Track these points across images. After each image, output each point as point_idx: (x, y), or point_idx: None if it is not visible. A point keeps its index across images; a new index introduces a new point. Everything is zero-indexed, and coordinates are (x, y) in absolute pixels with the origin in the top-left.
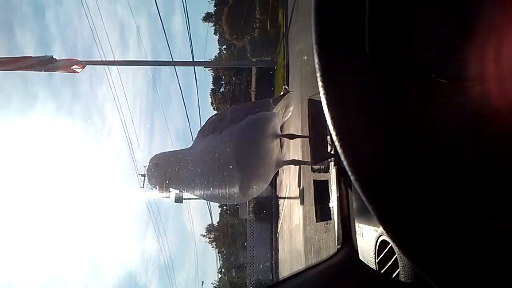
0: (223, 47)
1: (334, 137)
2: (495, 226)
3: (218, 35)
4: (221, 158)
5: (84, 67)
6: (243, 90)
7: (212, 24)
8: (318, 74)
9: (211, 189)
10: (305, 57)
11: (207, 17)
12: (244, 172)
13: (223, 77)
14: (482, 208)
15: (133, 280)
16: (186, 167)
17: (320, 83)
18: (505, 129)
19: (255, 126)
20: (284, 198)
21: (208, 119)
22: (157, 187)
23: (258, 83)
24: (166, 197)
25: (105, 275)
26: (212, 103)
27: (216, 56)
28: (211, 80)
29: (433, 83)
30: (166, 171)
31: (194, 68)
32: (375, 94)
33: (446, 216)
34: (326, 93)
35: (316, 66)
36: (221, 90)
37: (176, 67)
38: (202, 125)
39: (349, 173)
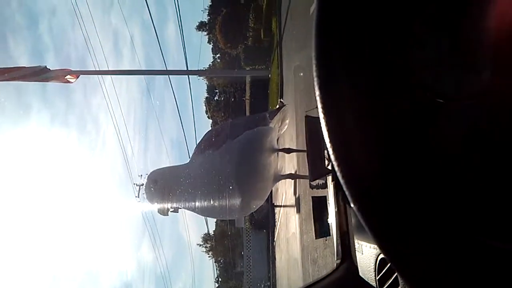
0: (217, 55)
1: (331, 152)
2: (496, 245)
3: (212, 43)
4: (220, 175)
5: (78, 77)
6: (237, 98)
7: (205, 33)
8: (316, 88)
9: (210, 205)
10: (302, 74)
11: (201, 26)
12: (243, 189)
13: (218, 86)
14: (480, 227)
15: None
16: (185, 184)
17: (318, 98)
18: (502, 146)
19: (253, 141)
20: (280, 206)
21: (205, 134)
22: (156, 204)
23: (252, 91)
24: (164, 215)
25: (101, 285)
26: (206, 112)
27: (210, 64)
28: (206, 88)
29: (430, 102)
30: (164, 188)
31: (188, 77)
32: (373, 111)
33: (444, 236)
34: (323, 108)
35: (315, 80)
36: (215, 98)
37: (170, 76)
38: (199, 136)
39: (345, 191)
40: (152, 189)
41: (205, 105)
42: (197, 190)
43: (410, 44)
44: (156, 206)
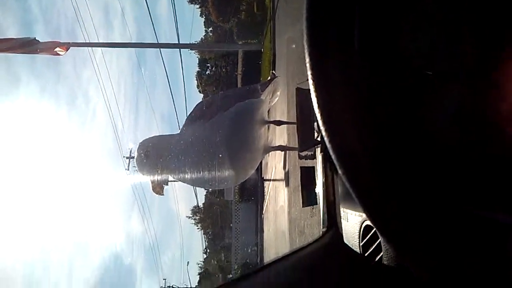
0: (209, 29)
1: (320, 122)
2: (481, 214)
3: (204, 17)
4: (211, 145)
5: (67, 49)
6: (229, 73)
7: (198, 6)
8: (307, 60)
9: (201, 175)
10: (294, 46)
11: None
12: (233, 159)
13: (209, 60)
14: (465, 197)
15: (119, 261)
16: (176, 154)
17: (308, 68)
18: (491, 123)
19: (244, 113)
20: (270, 180)
21: (197, 105)
22: (146, 174)
23: (244, 66)
24: (160, 194)
25: (90, 256)
26: (198, 86)
27: (202, 38)
28: (197, 62)
29: (421, 76)
30: (155, 157)
31: (180, 50)
32: (363, 82)
33: (430, 204)
34: (314, 78)
35: (306, 52)
36: (207, 72)
37: (161, 49)
38: (190, 110)
39: (334, 160)
40: (143, 156)
41: (197, 79)
42: (188, 160)
43: (403, 19)
44: (147, 176)
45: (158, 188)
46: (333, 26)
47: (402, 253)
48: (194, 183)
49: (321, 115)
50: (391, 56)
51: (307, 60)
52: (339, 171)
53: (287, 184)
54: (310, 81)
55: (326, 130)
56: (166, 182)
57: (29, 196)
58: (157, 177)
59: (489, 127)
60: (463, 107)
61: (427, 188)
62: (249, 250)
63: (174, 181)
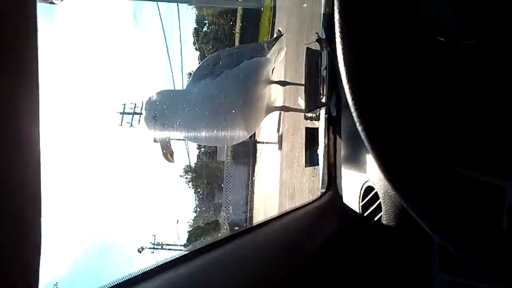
0: None
1: (345, 80)
2: (471, 176)
3: None
4: (218, 103)
5: None
6: (227, 31)
7: None
8: (336, 16)
9: (209, 133)
10: (305, 5)
11: None
12: (240, 117)
13: (207, 16)
14: (464, 158)
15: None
16: (185, 113)
17: (337, 24)
18: (495, 87)
19: (250, 72)
20: (262, 142)
21: (203, 61)
22: (156, 131)
23: (243, 25)
24: (171, 162)
25: (79, 212)
26: (194, 43)
27: None
28: (194, 18)
29: (431, 38)
30: (165, 119)
31: (178, 4)
32: (385, 44)
33: (434, 161)
34: (341, 34)
35: (336, 9)
36: (204, 29)
37: (158, 2)
38: (185, 71)
39: (354, 112)
40: (152, 117)
41: (193, 36)
42: (196, 118)
43: None
44: (156, 134)
45: (169, 154)
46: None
47: (408, 200)
48: (201, 141)
49: (347, 69)
50: (407, 18)
51: (337, 14)
52: (358, 124)
53: (280, 148)
54: (338, 33)
55: (351, 88)
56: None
57: None
58: (167, 141)
59: (499, 89)
60: (470, 68)
61: (435, 148)
62: (239, 211)
63: (181, 140)
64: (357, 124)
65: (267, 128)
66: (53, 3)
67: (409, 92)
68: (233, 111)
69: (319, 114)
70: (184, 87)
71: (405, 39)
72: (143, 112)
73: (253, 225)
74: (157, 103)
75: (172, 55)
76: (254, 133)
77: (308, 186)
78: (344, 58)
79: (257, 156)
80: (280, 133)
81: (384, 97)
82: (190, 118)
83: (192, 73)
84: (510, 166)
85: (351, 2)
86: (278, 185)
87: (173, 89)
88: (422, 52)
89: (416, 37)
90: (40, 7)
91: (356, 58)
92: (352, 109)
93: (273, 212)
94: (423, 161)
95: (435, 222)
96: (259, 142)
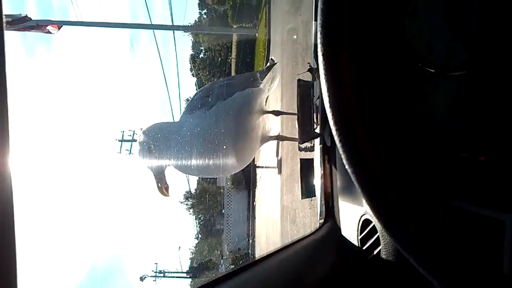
0: (204, 11)
1: (331, 119)
2: (476, 211)
3: None
4: (211, 135)
5: (59, 28)
6: (223, 57)
7: None
8: (320, 54)
9: (203, 165)
10: (295, 36)
11: None
12: (234, 149)
13: (203, 43)
14: (461, 191)
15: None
16: (179, 145)
17: (321, 64)
18: (486, 117)
19: (243, 103)
20: (262, 167)
21: (196, 93)
22: (149, 161)
23: (238, 50)
24: (165, 196)
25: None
26: (191, 69)
27: (196, 20)
28: (191, 45)
29: (421, 70)
30: (160, 151)
31: (174, 32)
32: (370, 77)
33: (428, 198)
34: (326, 72)
35: (319, 47)
36: (200, 56)
37: (154, 30)
38: (183, 97)
39: (341, 151)
40: (147, 150)
41: (190, 63)
42: (191, 151)
43: (406, 16)
44: (149, 164)
45: (164, 189)
46: (345, 29)
47: (400, 241)
48: (195, 173)
49: (332, 113)
50: (395, 45)
51: (321, 60)
52: (345, 162)
53: (280, 172)
54: (323, 82)
55: (334, 121)
56: (167, 184)
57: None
58: (162, 175)
59: (490, 119)
60: (461, 98)
61: (426, 182)
62: (241, 237)
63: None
64: (346, 165)
65: (266, 153)
66: (50, 33)
67: (398, 126)
68: (227, 143)
69: (314, 144)
70: (180, 114)
71: (393, 71)
72: (138, 146)
73: (255, 259)
74: (151, 136)
75: (170, 82)
76: (254, 158)
77: (309, 211)
78: (329, 98)
79: (257, 180)
80: (279, 157)
81: (372, 135)
82: (184, 151)
83: (187, 103)
84: (510, 198)
85: (334, 36)
86: (279, 210)
87: (167, 121)
88: (412, 84)
89: (405, 69)
90: (38, 37)
91: (340, 97)
92: (340, 151)
93: (276, 237)
94: (414, 201)
95: (431, 268)
96: (258, 167)
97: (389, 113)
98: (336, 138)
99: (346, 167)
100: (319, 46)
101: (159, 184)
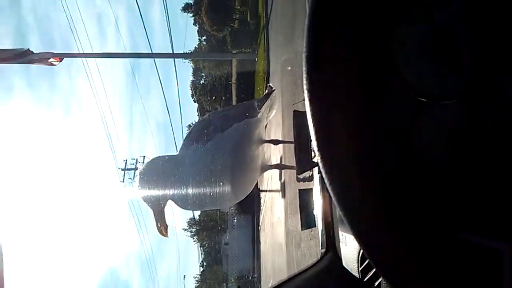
0: (203, 38)
1: (316, 149)
2: (474, 241)
3: (197, 26)
4: (210, 168)
5: (61, 60)
6: (223, 82)
7: (191, 15)
8: (305, 92)
9: (203, 201)
10: (290, 68)
11: (186, 8)
12: (233, 181)
13: (203, 69)
14: (459, 222)
15: (115, 276)
16: (178, 181)
17: (307, 101)
18: (482, 146)
19: (241, 135)
20: (266, 191)
21: (194, 125)
22: (148, 193)
23: (238, 75)
24: (165, 236)
25: (87, 272)
26: (192, 95)
27: (195, 47)
28: (191, 72)
29: (413, 100)
30: (159, 188)
31: (174, 60)
32: (358, 111)
33: (423, 232)
34: (312, 108)
35: (304, 84)
36: (201, 82)
37: (155, 59)
38: (184, 123)
39: (334, 200)
40: (150, 178)
41: (191, 89)
42: (190, 187)
43: (393, 46)
44: (148, 194)
45: (164, 229)
46: (331, 52)
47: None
48: (195, 208)
49: (317, 141)
50: (385, 76)
51: (305, 89)
52: (339, 209)
53: (284, 196)
54: (308, 108)
55: (326, 172)
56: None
57: (21, 209)
58: (161, 214)
59: (486, 149)
60: (459, 128)
61: (420, 216)
62: (246, 263)
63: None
64: (337, 208)
65: (269, 177)
66: (53, 65)
67: (390, 161)
68: (226, 176)
69: (312, 174)
70: (180, 146)
71: (383, 102)
72: (136, 182)
73: None
74: (149, 174)
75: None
76: (257, 182)
77: (315, 241)
78: (314, 136)
79: (261, 205)
80: (282, 180)
81: (364, 176)
82: (183, 187)
83: (185, 136)
84: (507, 226)
85: (316, 66)
86: (284, 234)
87: (165, 156)
88: (403, 115)
89: (396, 99)
90: (41, 69)
91: (328, 136)
92: (331, 194)
93: (281, 262)
94: (407, 245)
95: None
96: (262, 191)
97: (381, 147)
98: (327, 183)
99: (339, 210)
100: (304, 82)
101: (158, 224)
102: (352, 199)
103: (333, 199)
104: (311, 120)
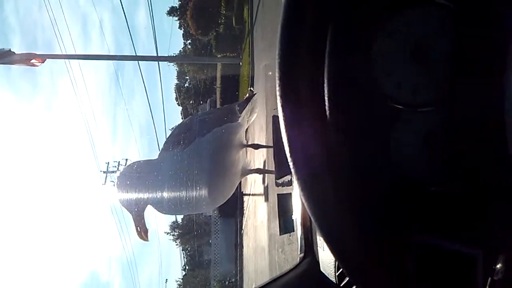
0: (188, 41)
1: (287, 152)
2: (448, 247)
3: (182, 29)
4: (189, 173)
5: (44, 61)
6: (208, 86)
7: (177, 18)
8: (279, 104)
9: (182, 205)
10: (270, 73)
11: (172, 11)
12: (213, 186)
13: (188, 72)
14: (431, 226)
15: (96, 279)
16: (157, 185)
17: (280, 111)
18: (455, 151)
19: (221, 139)
20: (249, 195)
21: (174, 129)
22: (127, 197)
23: (223, 79)
24: (145, 240)
25: (67, 274)
26: (176, 98)
27: (180, 50)
28: (175, 75)
29: (390, 108)
30: (138, 192)
31: (158, 62)
32: (334, 119)
33: (394, 238)
34: (285, 119)
35: (277, 87)
36: (185, 85)
37: (139, 61)
38: (168, 126)
39: (300, 194)
40: (128, 183)
41: (175, 92)
42: (169, 191)
43: (371, 55)
44: (127, 199)
45: (143, 232)
46: (305, 61)
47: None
48: (174, 212)
49: (294, 168)
50: (362, 85)
51: (278, 89)
52: (310, 215)
53: (266, 199)
54: (281, 118)
55: (298, 178)
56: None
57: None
58: (141, 218)
59: (461, 155)
60: (435, 133)
61: (391, 218)
62: (229, 267)
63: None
64: (312, 220)
65: (253, 181)
66: (35, 66)
67: (360, 169)
68: (206, 180)
69: (291, 179)
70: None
71: (361, 110)
72: (116, 187)
73: None
74: (128, 177)
75: (155, 112)
76: (240, 185)
77: (292, 239)
78: (287, 142)
79: (244, 208)
80: (265, 184)
81: (337, 181)
82: (163, 191)
83: (165, 140)
84: (481, 233)
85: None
86: (267, 238)
87: (145, 160)
88: (381, 122)
89: (372, 106)
90: (22, 70)
91: (297, 140)
92: (302, 199)
93: (264, 265)
94: (377, 251)
95: None
96: (245, 195)
97: (357, 152)
98: (299, 190)
99: (310, 215)
100: (277, 95)
101: (138, 228)
102: (322, 205)
103: (304, 204)
104: (283, 127)
